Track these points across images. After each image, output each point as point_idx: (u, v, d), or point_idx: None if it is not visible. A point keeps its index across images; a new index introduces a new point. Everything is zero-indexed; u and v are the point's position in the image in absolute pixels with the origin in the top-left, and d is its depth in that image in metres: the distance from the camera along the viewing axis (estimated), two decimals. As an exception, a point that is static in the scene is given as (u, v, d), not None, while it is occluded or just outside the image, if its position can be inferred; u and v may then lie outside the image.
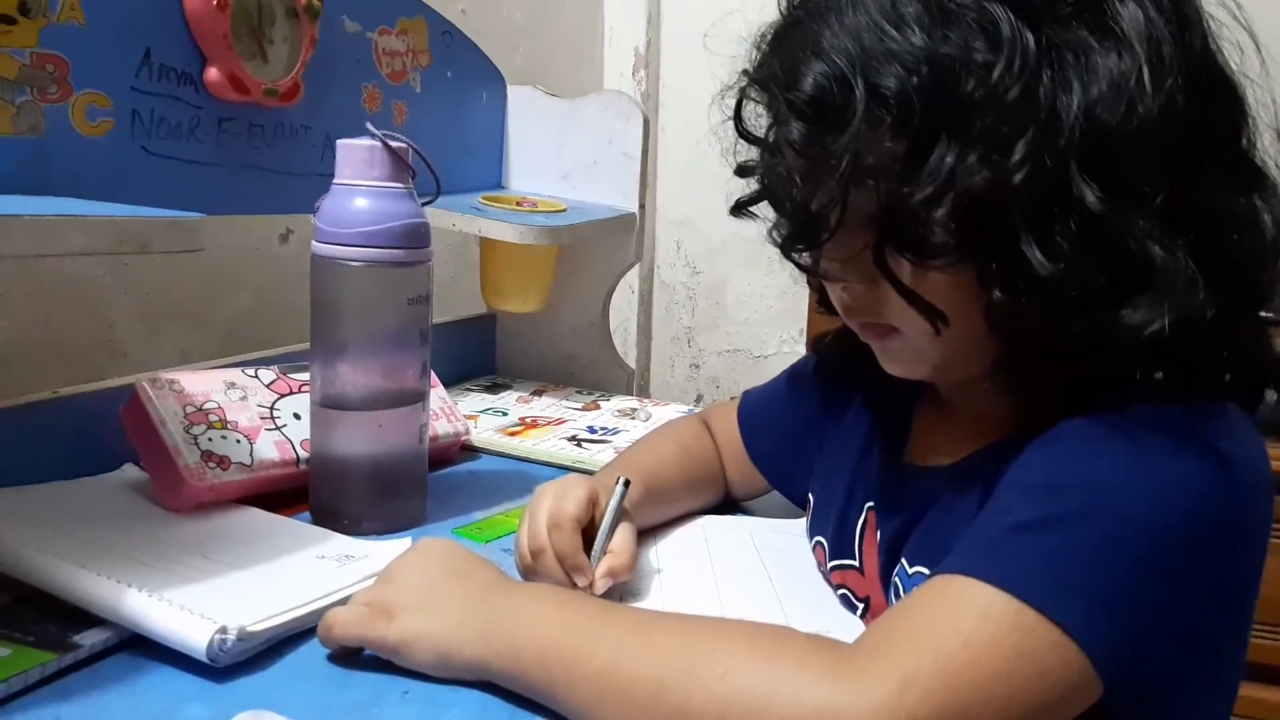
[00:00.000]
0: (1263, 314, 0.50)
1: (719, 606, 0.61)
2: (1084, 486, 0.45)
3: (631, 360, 1.79)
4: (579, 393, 1.15)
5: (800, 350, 0.73)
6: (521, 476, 0.86)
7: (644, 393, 1.79)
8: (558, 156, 1.16)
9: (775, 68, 0.52)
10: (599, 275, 1.18)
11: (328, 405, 0.69)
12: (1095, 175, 0.45)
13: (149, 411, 0.69)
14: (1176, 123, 0.45)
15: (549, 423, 1.01)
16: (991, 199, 0.46)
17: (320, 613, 0.54)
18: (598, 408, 1.08)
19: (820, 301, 0.61)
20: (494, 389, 1.14)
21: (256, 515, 0.69)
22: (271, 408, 0.76)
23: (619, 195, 1.14)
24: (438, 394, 0.88)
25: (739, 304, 1.83)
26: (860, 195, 0.49)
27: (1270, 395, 0.51)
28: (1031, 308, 0.47)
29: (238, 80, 0.79)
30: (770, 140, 0.55)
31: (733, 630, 0.47)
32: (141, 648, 0.52)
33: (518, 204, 1.08)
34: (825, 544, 0.67)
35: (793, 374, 0.78)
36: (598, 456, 0.89)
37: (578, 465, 0.88)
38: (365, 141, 0.67)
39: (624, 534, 0.63)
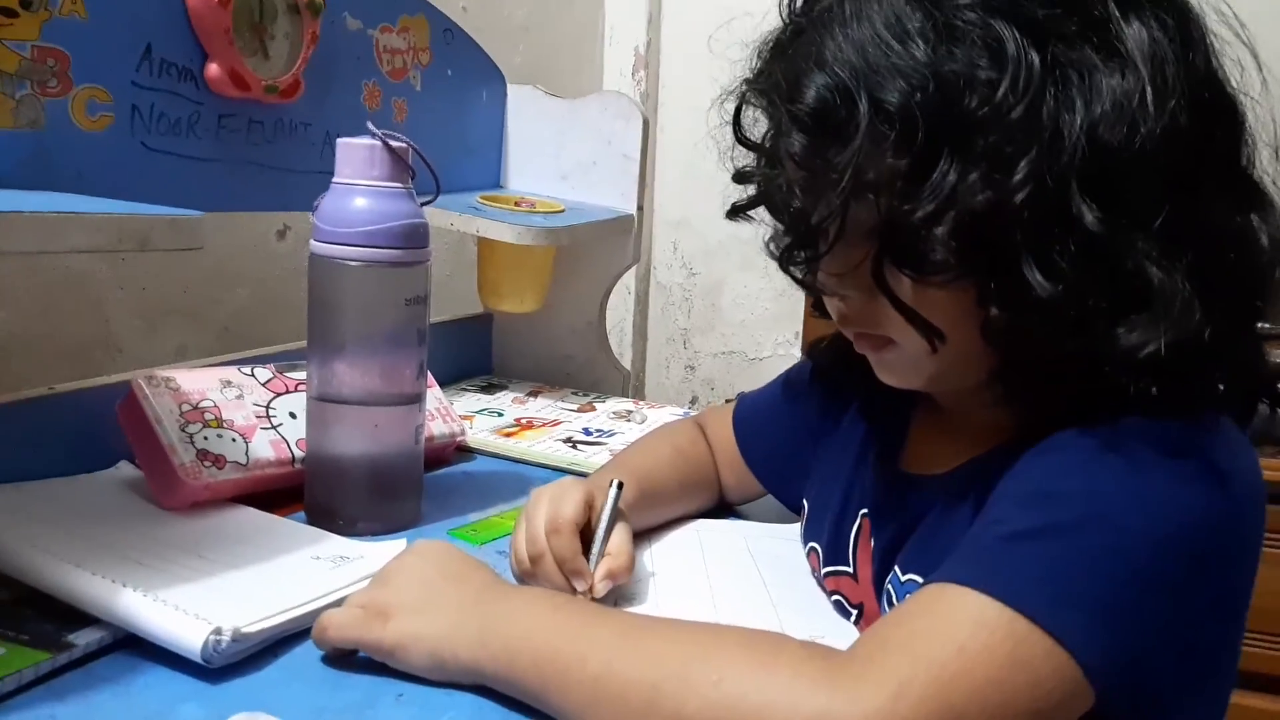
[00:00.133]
0: (1258, 326, 0.50)
1: (713, 611, 0.62)
2: (1081, 497, 0.45)
3: (626, 361, 1.79)
4: (575, 394, 1.15)
5: (796, 353, 0.73)
6: (517, 478, 0.86)
7: (639, 394, 1.80)
8: (557, 156, 1.16)
9: (778, 78, 0.52)
10: (596, 276, 1.18)
11: (324, 404, 0.69)
12: (1096, 195, 0.45)
13: (145, 409, 0.69)
14: (1178, 143, 0.46)
15: (544, 424, 1.01)
16: (992, 218, 0.45)
17: (315, 614, 0.53)
18: (593, 409, 1.08)
19: (815, 306, 0.61)
20: (490, 389, 1.14)
21: (252, 515, 0.69)
22: (267, 407, 0.76)
23: (617, 196, 1.14)
24: (434, 394, 0.88)
25: (735, 306, 1.83)
26: (860, 208, 0.49)
27: (1263, 408, 0.52)
28: (1029, 326, 0.47)
29: (238, 76, 0.79)
30: (770, 149, 0.55)
31: (727, 636, 0.47)
32: (136, 648, 0.52)
33: (516, 204, 1.08)
34: (819, 550, 0.67)
35: (789, 379, 0.79)
36: (593, 459, 0.89)
37: (573, 467, 0.88)
38: (365, 141, 0.67)
39: (621, 535, 0.63)
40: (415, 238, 0.68)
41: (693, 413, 0.94)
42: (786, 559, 0.70)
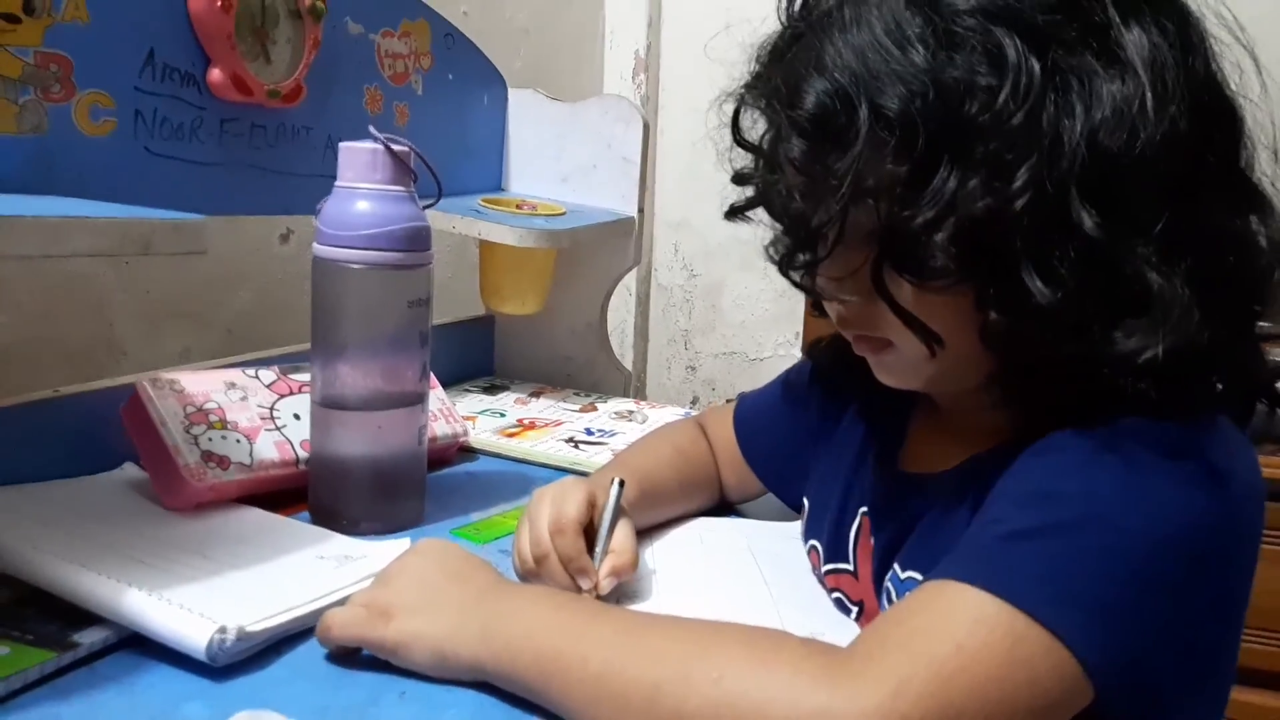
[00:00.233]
0: (1257, 327, 0.50)
1: (714, 609, 0.62)
2: (1080, 496, 0.46)
3: (628, 362, 1.79)
4: (576, 394, 1.15)
5: (796, 354, 0.73)
6: (519, 478, 0.87)
7: (640, 395, 1.80)
8: (557, 159, 1.17)
9: (777, 83, 0.52)
10: (597, 278, 1.18)
11: (328, 406, 0.69)
12: (1096, 201, 0.45)
13: (149, 411, 0.69)
14: (1178, 148, 0.45)
15: (546, 424, 1.01)
16: (992, 224, 0.45)
17: (319, 613, 0.54)
18: (595, 410, 1.09)
19: (815, 306, 0.61)
20: (492, 390, 1.15)
21: (256, 515, 0.70)
22: (271, 408, 0.76)
23: (618, 199, 1.14)
24: (436, 395, 0.88)
25: (736, 307, 1.83)
26: (859, 213, 0.49)
27: (1262, 406, 0.52)
28: (1028, 331, 0.47)
29: (241, 81, 0.79)
30: (769, 153, 0.55)
31: (728, 634, 0.48)
32: (141, 647, 0.52)
33: (517, 207, 1.08)
34: (820, 548, 0.67)
35: (789, 378, 0.79)
36: (595, 458, 0.90)
37: (575, 467, 0.88)
38: (367, 144, 0.67)
39: (624, 532, 0.63)
40: (417, 240, 0.69)
41: (694, 413, 0.94)
42: (787, 557, 0.70)
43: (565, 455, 0.91)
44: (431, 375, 0.75)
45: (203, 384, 0.73)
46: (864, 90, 0.47)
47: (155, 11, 0.74)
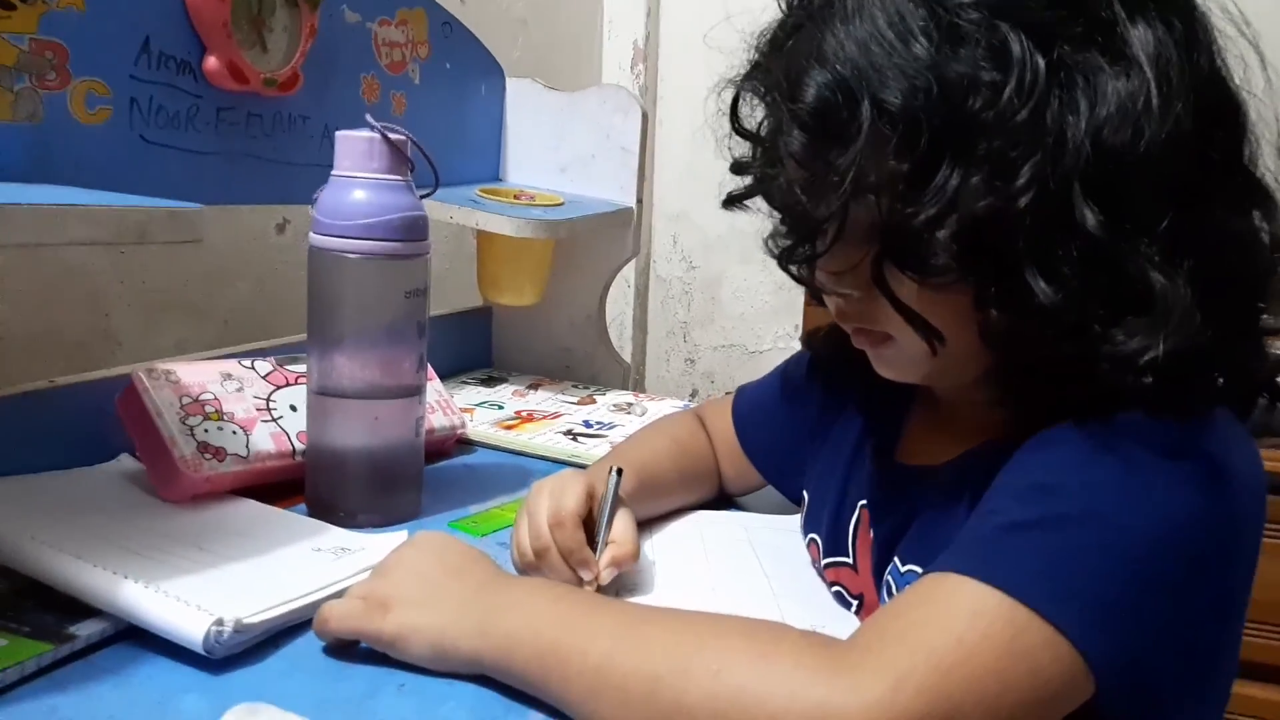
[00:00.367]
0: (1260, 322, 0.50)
1: (713, 601, 0.62)
2: (1079, 490, 0.45)
3: (627, 354, 1.79)
4: (575, 387, 1.15)
5: (796, 346, 0.73)
6: (517, 470, 0.87)
7: (639, 387, 1.80)
8: (556, 150, 1.16)
9: (778, 75, 0.51)
10: (596, 269, 1.18)
11: (325, 397, 0.69)
12: (1099, 200, 0.45)
13: (145, 402, 0.69)
14: (1182, 146, 0.45)
15: (545, 417, 1.01)
16: (994, 222, 0.45)
17: (316, 605, 0.54)
18: (593, 402, 1.08)
19: (814, 296, 0.61)
20: (490, 382, 1.14)
21: (252, 507, 0.69)
22: (268, 399, 0.76)
23: (616, 189, 1.14)
24: (434, 387, 0.88)
25: (735, 299, 1.83)
26: (859, 208, 0.48)
27: (1263, 400, 0.51)
28: (1028, 330, 0.47)
29: (237, 69, 0.79)
30: (769, 147, 0.54)
31: (727, 626, 0.48)
32: (137, 639, 0.52)
33: (515, 197, 1.07)
34: (819, 541, 0.67)
35: (787, 370, 0.79)
36: (593, 451, 0.90)
37: (573, 459, 0.88)
38: (364, 133, 0.67)
39: (624, 522, 0.63)
40: (414, 230, 0.68)
41: (692, 405, 0.94)
42: (787, 550, 0.70)
43: (563, 447, 0.91)
44: (429, 367, 0.75)
45: (199, 375, 0.73)
46: (866, 84, 0.46)
47: (151, -1, 0.74)
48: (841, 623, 0.60)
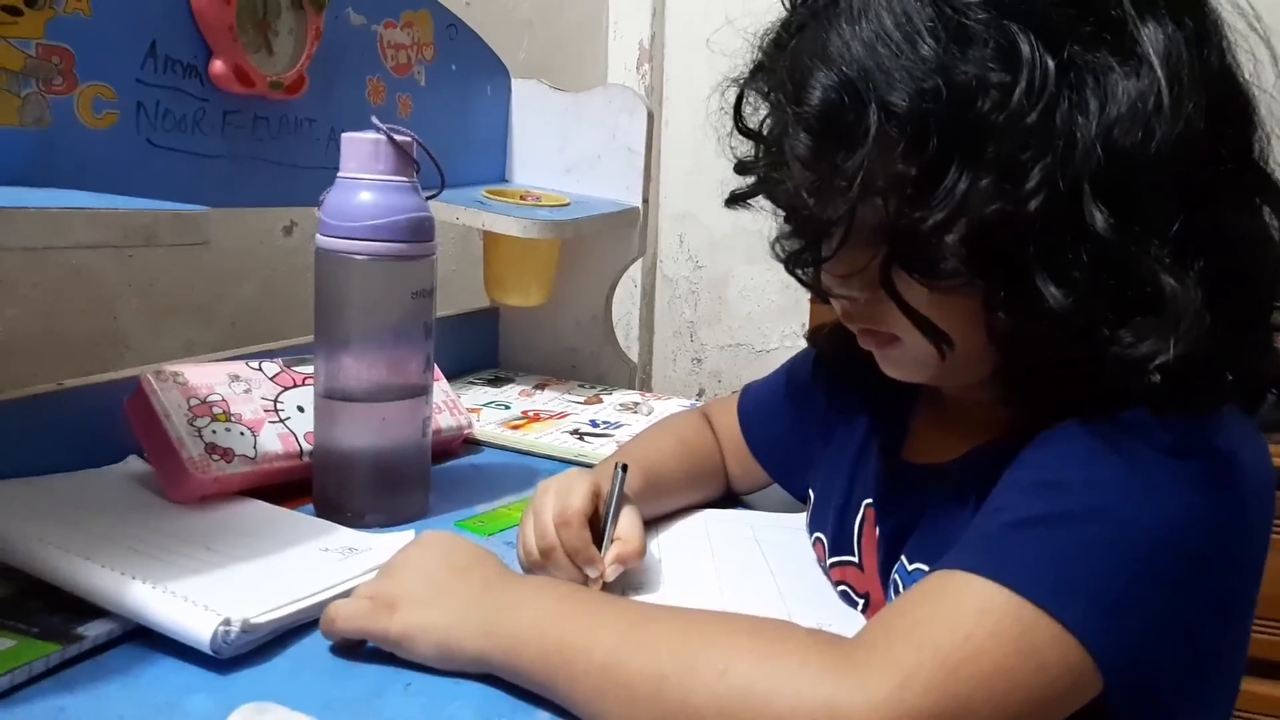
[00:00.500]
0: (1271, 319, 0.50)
1: (720, 600, 0.62)
2: (1085, 487, 0.45)
3: (633, 354, 1.79)
4: (581, 386, 1.15)
5: (802, 345, 0.73)
6: (524, 470, 0.87)
7: (645, 387, 1.80)
8: (561, 150, 1.16)
9: (782, 76, 0.51)
10: (602, 269, 1.18)
11: (332, 398, 0.69)
12: (1109, 201, 0.44)
13: (153, 404, 0.69)
14: (1193, 146, 0.44)
15: (551, 416, 1.01)
16: (1004, 226, 0.44)
17: (323, 605, 0.54)
18: (600, 401, 1.08)
19: (819, 297, 0.61)
20: (496, 382, 1.15)
21: (260, 507, 0.70)
22: (275, 400, 0.76)
23: (622, 189, 1.14)
24: (441, 387, 0.88)
25: (741, 298, 1.83)
26: (866, 210, 0.48)
27: (1272, 396, 0.51)
28: (1037, 332, 0.46)
29: (243, 73, 0.79)
30: (775, 149, 0.54)
31: (733, 625, 0.48)
32: (145, 639, 0.52)
33: (521, 198, 1.08)
34: (825, 540, 0.67)
35: (792, 367, 0.79)
36: (600, 450, 0.90)
37: (580, 459, 0.88)
38: (370, 135, 0.67)
39: (629, 519, 0.63)
40: (421, 231, 0.68)
41: (699, 405, 0.94)
42: (793, 548, 0.70)
43: (570, 447, 0.91)
44: (436, 367, 0.75)
45: (206, 376, 0.73)
46: (873, 86, 0.45)
47: (157, 3, 0.74)
48: (848, 621, 0.60)
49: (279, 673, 0.51)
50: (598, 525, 0.62)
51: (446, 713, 0.48)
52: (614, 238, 1.15)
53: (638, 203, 1.14)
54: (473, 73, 1.11)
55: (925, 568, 0.55)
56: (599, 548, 0.61)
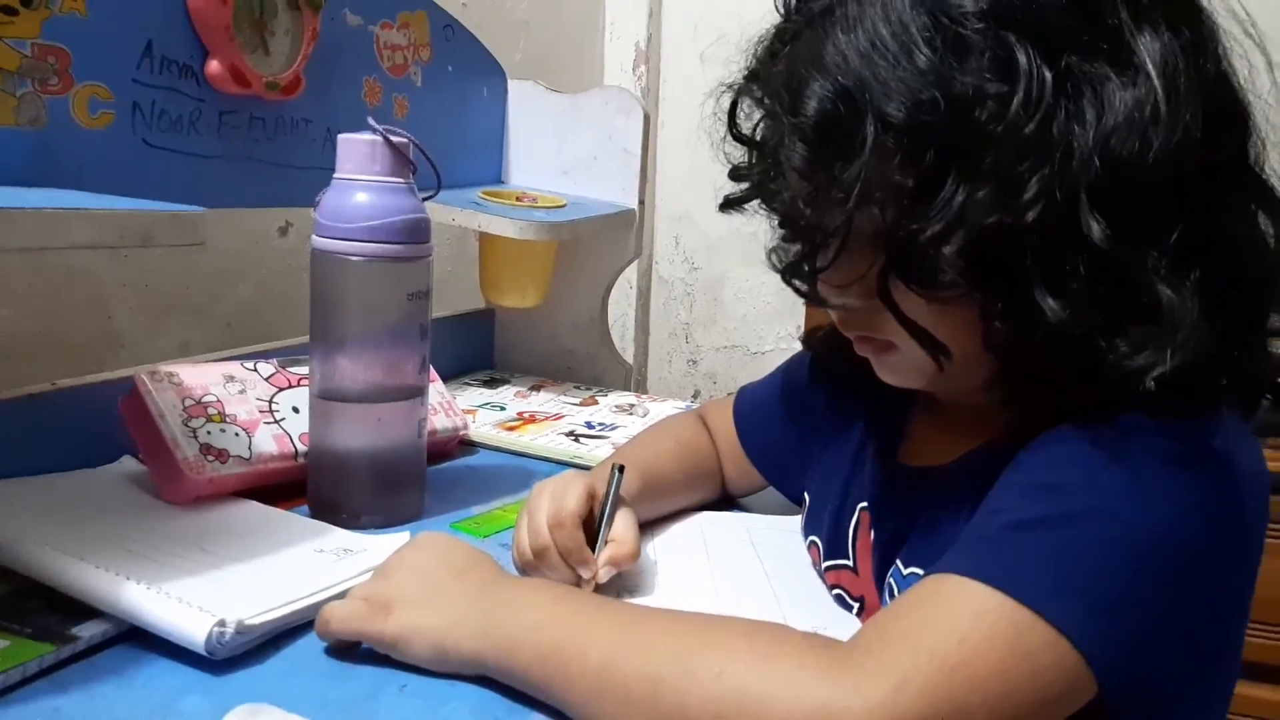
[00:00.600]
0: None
1: (716, 603, 0.62)
2: (1082, 489, 0.45)
3: (629, 356, 1.79)
4: (577, 388, 1.15)
5: (798, 347, 0.73)
6: (519, 471, 0.87)
7: (641, 388, 1.80)
8: (558, 151, 1.16)
9: (777, 85, 0.50)
10: (598, 271, 1.18)
11: (327, 399, 0.69)
12: (1106, 211, 0.44)
13: (148, 404, 0.69)
14: (1190, 155, 0.44)
15: (547, 418, 1.01)
16: (1002, 237, 0.44)
17: (318, 606, 0.54)
18: (596, 403, 1.08)
19: (815, 305, 0.61)
20: (492, 384, 1.15)
21: (255, 508, 0.70)
22: (270, 401, 0.76)
23: (619, 191, 1.14)
24: (436, 389, 0.88)
25: (737, 300, 1.83)
26: (863, 219, 0.47)
27: (1267, 401, 0.51)
28: (1034, 342, 0.46)
29: (239, 73, 0.79)
30: (771, 158, 0.53)
31: (729, 628, 0.48)
32: (140, 640, 0.52)
33: (517, 199, 1.08)
34: (820, 543, 0.67)
35: (788, 370, 0.79)
36: (595, 452, 0.90)
37: (576, 460, 0.88)
38: (366, 136, 0.67)
39: (624, 521, 0.63)
40: (417, 232, 0.68)
41: (695, 406, 0.94)
42: (789, 551, 0.70)
43: (566, 449, 0.91)
44: (431, 369, 0.75)
45: (201, 377, 0.73)
46: (869, 96, 0.45)
47: (153, 3, 0.74)
48: (844, 624, 0.60)
49: (274, 674, 0.51)
50: (593, 527, 0.62)
51: (442, 715, 0.48)
52: (610, 239, 1.15)
53: (634, 204, 1.14)
54: (469, 74, 1.11)
55: (921, 572, 0.55)
56: (593, 549, 0.61)
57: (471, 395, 1.08)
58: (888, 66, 0.45)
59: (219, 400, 0.73)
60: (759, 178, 0.56)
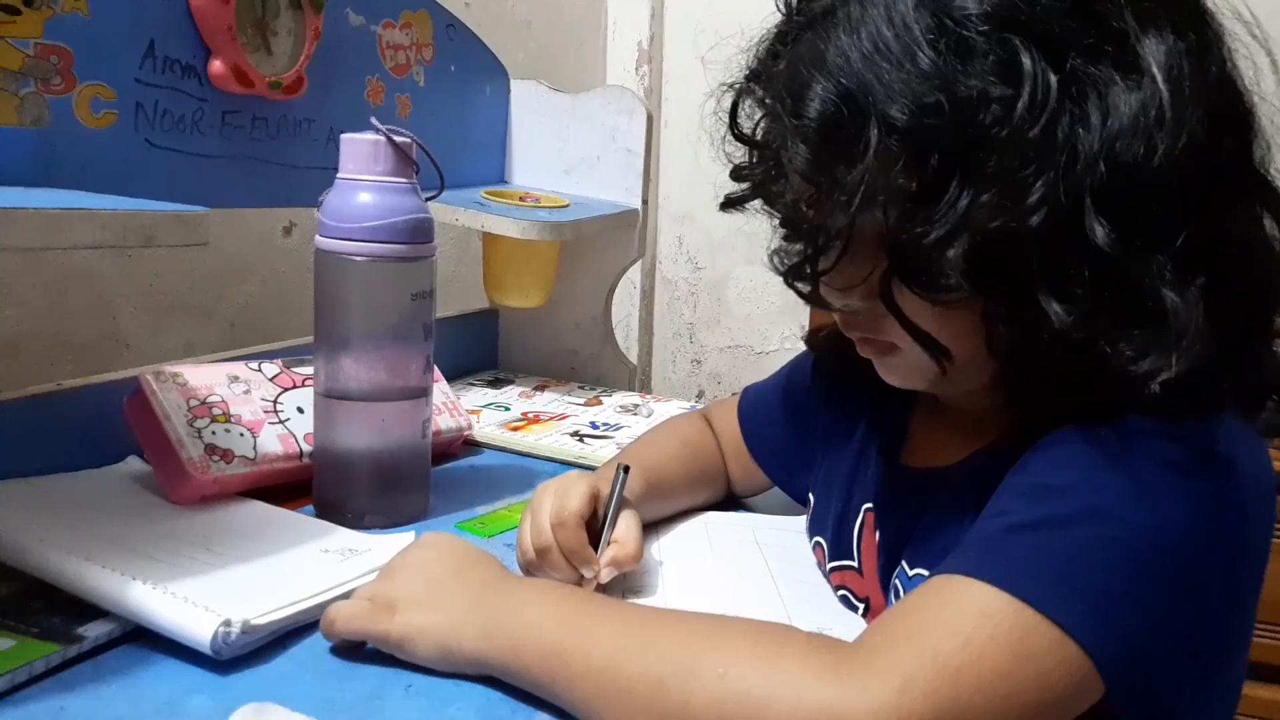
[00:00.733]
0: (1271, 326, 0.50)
1: (720, 603, 0.62)
2: (1086, 490, 0.45)
3: (633, 356, 1.79)
4: (581, 388, 1.15)
5: (802, 346, 0.73)
6: (524, 471, 0.87)
7: (645, 388, 1.80)
8: (561, 151, 1.16)
9: (779, 87, 0.50)
10: (601, 271, 1.18)
11: (331, 399, 0.69)
12: (1111, 215, 0.44)
13: (153, 405, 0.69)
14: (1195, 157, 0.44)
15: (551, 418, 1.01)
16: (1006, 241, 0.44)
17: (324, 606, 0.54)
18: (600, 403, 1.08)
19: (817, 307, 0.60)
20: (496, 384, 1.15)
21: (260, 508, 0.70)
22: (275, 401, 0.76)
23: (622, 191, 1.14)
24: (440, 388, 0.88)
25: (741, 300, 1.83)
26: (865, 222, 0.47)
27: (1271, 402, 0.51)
28: (1037, 346, 0.46)
29: (242, 73, 0.79)
30: (771, 157, 0.53)
31: (732, 628, 0.47)
32: (145, 640, 0.52)
33: (520, 199, 1.08)
34: (824, 544, 0.67)
35: (792, 370, 0.78)
36: (600, 452, 0.90)
37: (580, 460, 0.88)
38: (369, 136, 0.67)
39: (628, 522, 0.63)
40: (420, 232, 0.68)
41: (699, 407, 0.94)
42: (794, 551, 0.70)
43: (570, 449, 0.91)
44: (435, 369, 0.75)
45: (206, 377, 0.73)
46: (872, 99, 0.45)
47: (155, 3, 0.74)
48: (848, 625, 0.60)
49: (279, 674, 0.51)
50: (596, 528, 0.62)
51: (447, 714, 0.48)
52: (613, 239, 1.15)
53: (637, 204, 1.14)
54: (472, 73, 1.11)
55: (926, 573, 0.55)
56: (596, 549, 0.61)
57: (476, 395, 1.08)
58: (891, 68, 0.45)
59: (224, 400, 0.73)
60: (760, 178, 0.56)
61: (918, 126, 0.44)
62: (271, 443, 0.73)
